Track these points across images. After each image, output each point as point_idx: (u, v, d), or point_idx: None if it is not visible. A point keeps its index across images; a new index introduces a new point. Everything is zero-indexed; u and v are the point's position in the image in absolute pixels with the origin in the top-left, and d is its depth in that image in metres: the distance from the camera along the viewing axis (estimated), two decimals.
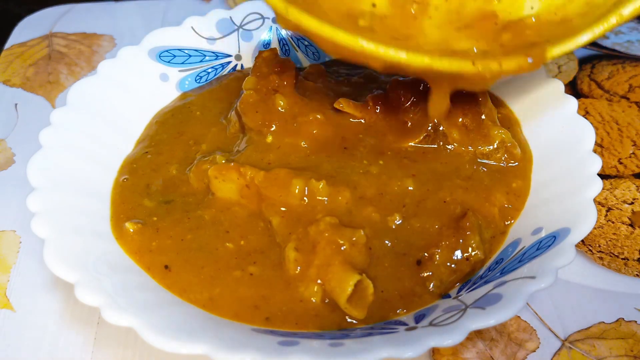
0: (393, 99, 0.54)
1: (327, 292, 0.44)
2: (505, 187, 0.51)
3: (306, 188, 0.48)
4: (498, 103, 0.59)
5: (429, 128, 0.53)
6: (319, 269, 0.44)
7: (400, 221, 0.48)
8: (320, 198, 0.48)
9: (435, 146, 0.53)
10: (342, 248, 0.44)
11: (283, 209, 0.48)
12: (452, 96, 0.51)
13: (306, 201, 0.48)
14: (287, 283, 0.45)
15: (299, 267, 0.45)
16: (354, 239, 0.45)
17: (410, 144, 0.54)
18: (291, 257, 0.45)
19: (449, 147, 0.53)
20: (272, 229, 0.48)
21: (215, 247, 0.48)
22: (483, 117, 0.53)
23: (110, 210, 0.52)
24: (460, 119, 0.53)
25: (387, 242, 0.47)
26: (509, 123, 0.57)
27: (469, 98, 0.53)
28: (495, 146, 0.53)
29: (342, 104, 0.55)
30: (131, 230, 0.48)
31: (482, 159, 0.53)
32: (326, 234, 0.45)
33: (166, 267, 0.46)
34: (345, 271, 0.43)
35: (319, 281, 0.44)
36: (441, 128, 0.53)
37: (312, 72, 0.60)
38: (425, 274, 0.46)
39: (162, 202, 0.52)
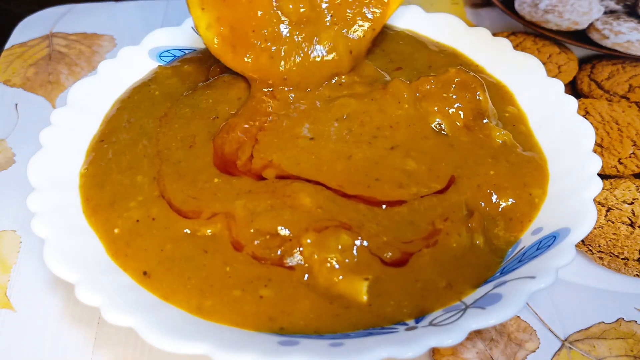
0: (395, 96, 0.54)
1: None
2: (523, 185, 0.50)
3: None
4: (506, 100, 0.59)
5: (434, 124, 0.53)
6: (329, 290, 0.44)
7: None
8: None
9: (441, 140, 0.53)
10: (336, 266, 0.44)
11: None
12: (451, 92, 0.52)
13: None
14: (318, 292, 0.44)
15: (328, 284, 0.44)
16: (340, 247, 0.44)
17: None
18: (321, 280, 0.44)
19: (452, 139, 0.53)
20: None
21: (202, 263, 0.45)
22: (485, 120, 0.53)
23: (82, 205, 0.49)
24: (462, 117, 0.53)
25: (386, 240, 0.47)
26: (514, 120, 0.57)
27: (467, 94, 0.53)
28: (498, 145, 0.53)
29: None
30: (116, 231, 0.47)
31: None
32: (315, 256, 0.44)
33: (145, 273, 0.45)
34: (351, 283, 0.43)
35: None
36: (442, 125, 0.53)
37: None
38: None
39: (133, 219, 0.48)
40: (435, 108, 0.53)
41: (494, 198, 0.49)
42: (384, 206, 0.47)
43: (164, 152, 0.52)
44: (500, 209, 0.49)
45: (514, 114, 0.57)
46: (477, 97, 0.53)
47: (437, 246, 0.45)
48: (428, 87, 0.53)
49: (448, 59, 0.63)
